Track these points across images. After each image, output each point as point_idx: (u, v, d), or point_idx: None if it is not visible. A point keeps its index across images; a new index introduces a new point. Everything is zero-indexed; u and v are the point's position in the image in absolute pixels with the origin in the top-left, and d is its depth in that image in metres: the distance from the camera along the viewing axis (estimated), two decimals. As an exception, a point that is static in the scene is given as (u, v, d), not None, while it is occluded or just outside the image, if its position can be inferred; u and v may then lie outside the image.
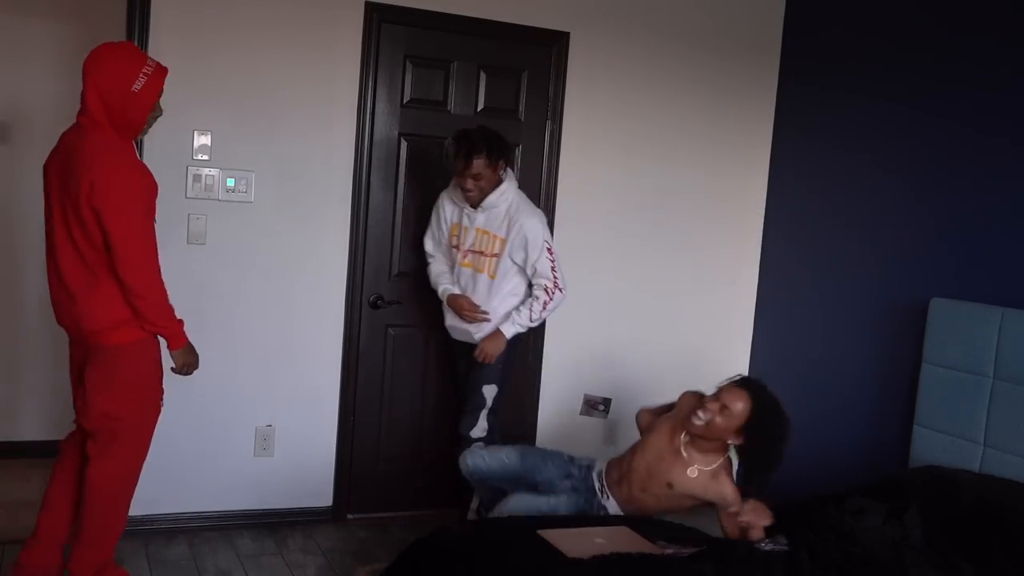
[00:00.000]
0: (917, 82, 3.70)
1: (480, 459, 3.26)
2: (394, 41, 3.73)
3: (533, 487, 3.15)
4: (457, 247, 3.51)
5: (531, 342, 4.09)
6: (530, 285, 3.48)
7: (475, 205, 3.43)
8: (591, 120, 4.07)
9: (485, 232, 3.44)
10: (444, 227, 3.56)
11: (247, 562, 3.40)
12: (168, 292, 2.76)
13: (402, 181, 3.83)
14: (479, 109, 3.91)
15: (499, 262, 3.43)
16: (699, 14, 4.21)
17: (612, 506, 3.07)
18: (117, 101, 2.61)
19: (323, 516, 3.84)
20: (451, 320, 3.58)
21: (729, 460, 2.97)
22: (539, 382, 4.13)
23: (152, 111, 2.71)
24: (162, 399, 2.89)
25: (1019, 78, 3.30)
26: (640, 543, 2.45)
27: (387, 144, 3.78)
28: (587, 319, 4.18)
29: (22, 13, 3.46)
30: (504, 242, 3.41)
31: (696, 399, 3.00)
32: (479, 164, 3.32)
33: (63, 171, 2.66)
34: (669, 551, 2.43)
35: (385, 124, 3.76)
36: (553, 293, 3.42)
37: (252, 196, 3.58)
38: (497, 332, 3.45)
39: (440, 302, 3.60)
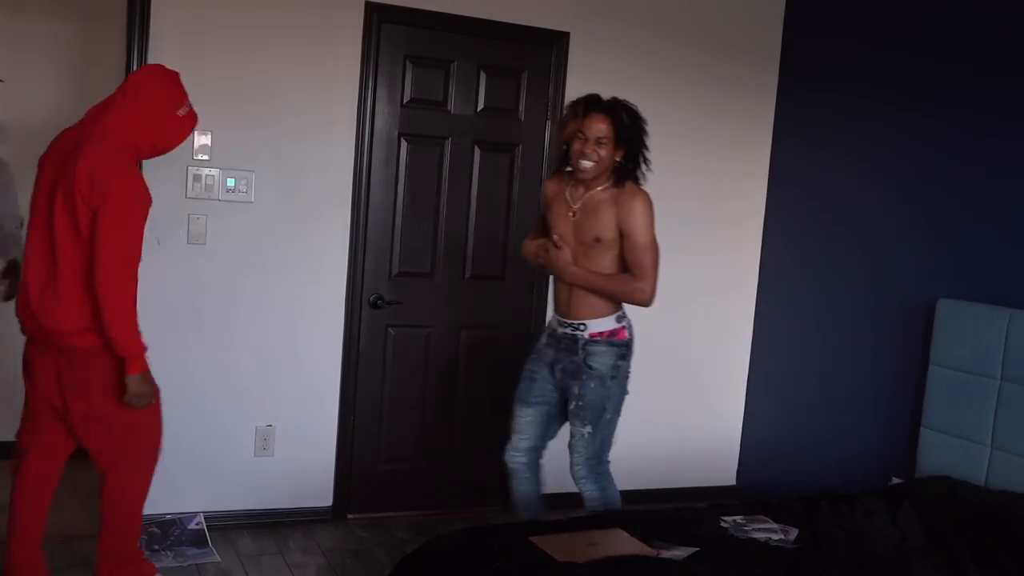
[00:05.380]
0: (919, 83, 3.66)
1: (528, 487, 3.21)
2: (394, 41, 3.72)
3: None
4: None
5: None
6: None
7: None
8: (592, 120, 4.04)
9: None
10: None
11: (247, 562, 3.39)
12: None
13: (402, 181, 3.82)
14: (479, 109, 3.90)
15: None
16: (699, 15, 4.19)
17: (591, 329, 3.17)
18: (160, 120, 2.68)
19: (323, 516, 3.83)
20: None
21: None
22: (540, 383, 4.10)
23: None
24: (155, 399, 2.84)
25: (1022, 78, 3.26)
26: (635, 545, 2.42)
27: (387, 144, 3.77)
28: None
29: (22, 13, 3.47)
30: None
31: (557, 183, 3.08)
32: None
33: (62, 166, 2.66)
34: (664, 553, 2.40)
35: (385, 124, 3.75)
36: None
37: (252, 196, 3.58)
38: None
39: None
